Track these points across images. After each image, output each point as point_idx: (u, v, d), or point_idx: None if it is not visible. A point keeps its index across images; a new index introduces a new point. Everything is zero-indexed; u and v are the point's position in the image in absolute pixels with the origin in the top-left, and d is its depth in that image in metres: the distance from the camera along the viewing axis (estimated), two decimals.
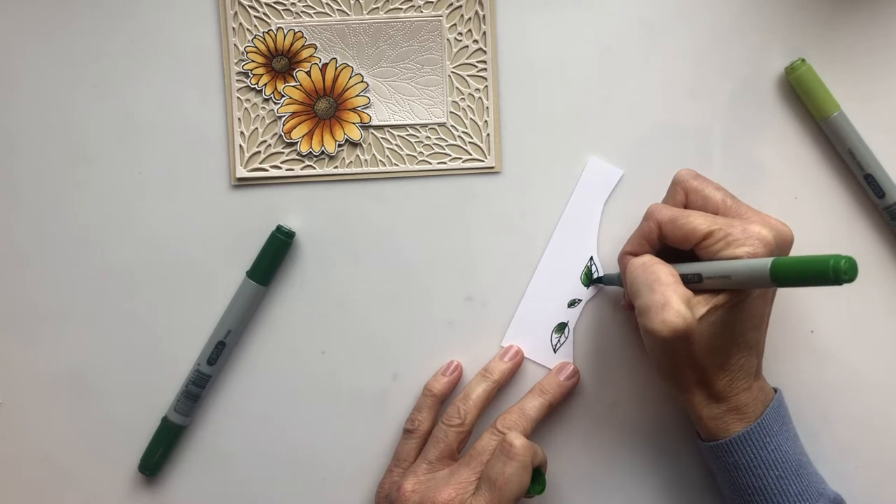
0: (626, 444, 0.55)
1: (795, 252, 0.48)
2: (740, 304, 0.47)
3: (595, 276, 0.55)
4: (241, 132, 0.55)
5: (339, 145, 0.55)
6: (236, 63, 0.55)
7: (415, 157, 0.55)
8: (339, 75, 0.55)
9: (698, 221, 0.47)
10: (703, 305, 0.46)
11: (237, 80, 0.55)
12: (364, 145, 0.55)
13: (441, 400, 0.54)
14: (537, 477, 0.50)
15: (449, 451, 0.52)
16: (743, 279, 0.45)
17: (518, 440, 0.49)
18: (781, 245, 0.48)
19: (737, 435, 0.48)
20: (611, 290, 0.55)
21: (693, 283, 0.46)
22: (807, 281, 0.41)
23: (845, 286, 0.54)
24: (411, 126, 0.55)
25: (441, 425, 0.52)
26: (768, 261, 0.43)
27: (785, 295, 0.55)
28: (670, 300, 0.45)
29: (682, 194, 0.50)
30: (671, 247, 0.49)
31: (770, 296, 0.49)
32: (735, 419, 0.49)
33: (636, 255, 0.50)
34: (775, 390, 0.51)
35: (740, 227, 0.47)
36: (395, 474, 0.53)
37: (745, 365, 0.49)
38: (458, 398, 0.53)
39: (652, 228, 0.49)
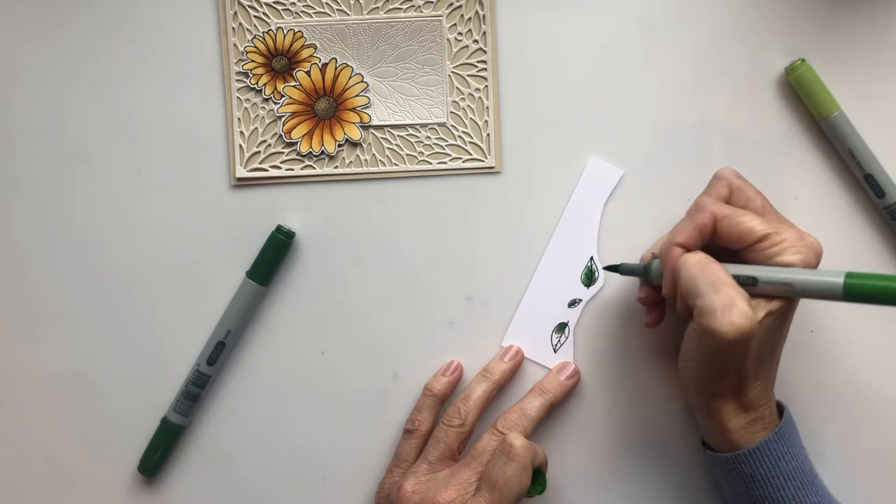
0: (626, 444, 0.55)
1: None
2: (790, 311, 0.46)
3: (596, 276, 0.55)
4: (241, 132, 0.55)
5: (339, 145, 0.55)
6: (236, 63, 0.55)
7: (415, 157, 0.55)
8: (339, 75, 0.55)
9: (755, 222, 0.47)
10: (761, 310, 0.45)
11: (237, 80, 0.55)
12: (364, 145, 0.55)
13: (441, 400, 0.54)
14: (538, 477, 0.50)
15: (449, 452, 0.52)
16: (807, 289, 0.44)
17: (518, 441, 0.49)
18: (820, 256, 0.47)
19: (757, 444, 0.48)
20: (611, 291, 0.55)
21: (747, 286, 0.46)
22: (885, 300, 0.41)
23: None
24: (411, 126, 0.55)
25: (442, 426, 0.52)
26: (840, 274, 0.43)
27: None
28: (736, 301, 0.44)
29: (727, 190, 0.49)
30: (714, 244, 0.48)
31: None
32: (759, 428, 0.48)
33: (687, 247, 0.47)
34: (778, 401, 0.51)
35: (794, 233, 0.46)
36: (396, 474, 0.53)
37: (773, 374, 0.49)
38: (458, 399, 0.53)
39: (706, 222, 0.47)
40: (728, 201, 0.49)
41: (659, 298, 0.51)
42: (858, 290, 0.42)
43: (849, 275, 0.42)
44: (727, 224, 0.47)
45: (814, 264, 0.46)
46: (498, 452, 0.49)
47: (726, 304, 0.44)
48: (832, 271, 0.44)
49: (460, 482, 0.49)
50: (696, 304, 0.45)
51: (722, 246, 0.48)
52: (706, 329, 0.44)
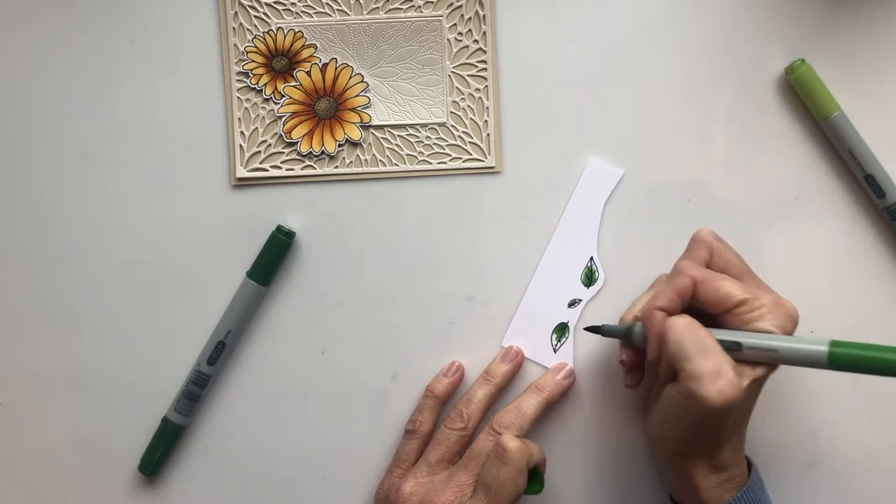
0: (626, 443, 0.55)
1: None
2: (768, 376, 0.47)
3: (596, 276, 0.55)
4: (241, 132, 0.55)
5: (340, 145, 0.55)
6: (236, 63, 0.55)
7: (415, 157, 0.55)
8: (339, 75, 0.55)
9: (733, 287, 0.47)
10: (746, 377, 0.45)
11: (237, 80, 0.55)
12: (364, 145, 0.55)
13: (443, 401, 0.54)
14: (535, 476, 0.50)
15: (450, 454, 0.52)
16: (791, 357, 0.44)
17: (512, 443, 0.48)
18: (797, 323, 0.48)
19: (727, 503, 0.48)
20: (611, 290, 0.55)
21: (731, 351, 0.46)
22: (869, 370, 0.40)
23: (845, 285, 0.55)
24: (411, 126, 0.55)
25: (443, 428, 0.52)
26: (825, 343, 0.43)
27: (785, 294, 0.55)
28: (724, 369, 0.44)
29: (707, 253, 0.49)
30: (690, 308, 0.48)
31: None
32: (729, 487, 0.48)
33: (669, 312, 0.47)
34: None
35: (772, 298, 0.47)
36: (395, 475, 0.53)
37: (744, 434, 0.49)
38: (460, 402, 0.53)
39: (686, 287, 0.47)
40: (708, 264, 0.49)
41: (640, 360, 0.51)
42: (842, 360, 0.42)
43: (833, 343, 0.42)
44: (706, 288, 0.47)
45: (790, 331, 0.47)
46: (493, 456, 0.49)
47: (714, 371, 0.44)
48: (817, 339, 0.44)
49: (458, 484, 0.49)
50: (684, 368, 0.45)
51: (698, 309, 0.48)
52: (693, 394, 0.44)
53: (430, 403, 0.54)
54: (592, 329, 0.52)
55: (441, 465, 0.52)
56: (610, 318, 0.55)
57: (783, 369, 0.53)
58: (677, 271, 0.48)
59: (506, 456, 0.48)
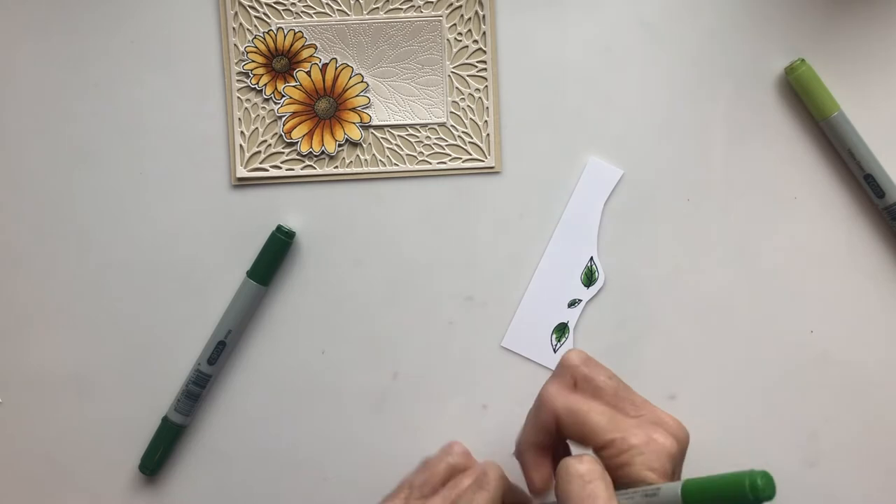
0: None
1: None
2: None
3: (596, 276, 0.55)
4: (241, 132, 0.55)
5: (339, 145, 0.55)
6: (236, 63, 0.55)
7: (415, 157, 0.55)
8: (339, 75, 0.55)
9: (597, 421, 0.43)
10: None
11: (237, 80, 0.55)
12: (364, 145, 0.55)
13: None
14: None
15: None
16: (660, 502, 0.40)
17: (493, 471, 0.45)
18: (682, 444, 0.44)
19: None
20: (611, 290, 0.55)
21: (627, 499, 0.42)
22: (724, 502, 0.38)
23: (845, 285, 0.55)
24: (411, 126, 0.55)
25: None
26: (678, 485, 0.39)
27: (785, 294, 0.55)
28: None
29: (572, 381, 0.45)
30: None
31: None
32: None
33: (540, 446, 0.45)
34: None
35: (642, 435, 0.42)
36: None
37: None
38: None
39: (549, 422, 0.44)
40: (575, 389, 0.45)
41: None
42: (696, 498, 0.38)
43: (685, 484, 0.39)
44: (569, 421, 0.43)
45: (669, 469, 0.42)
46: (473, 483, 0.45)
47: None
48: (674, 484, 0.40)
49: None
50: None
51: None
52: None
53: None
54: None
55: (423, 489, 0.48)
56: (610, 319, 0.55)
57: (783, 367, 0.53)
58: (540, 401, 0.45)
59: (484, 481, 0.44)
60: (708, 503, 0.38)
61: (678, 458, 0.43)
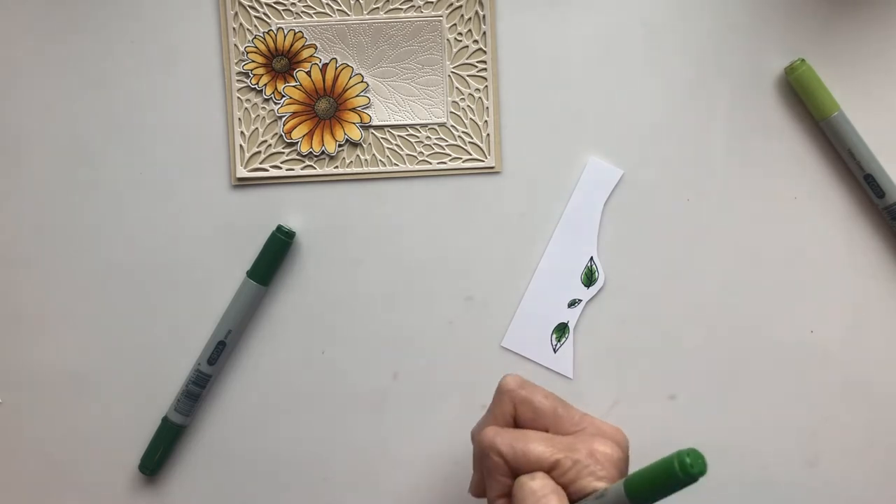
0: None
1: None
2: None
3: (596, 276, 0.55)
4: (242, 132, 0.55)
5: (340, 145, 0.55)
6: (236, 63, 0.55)
7: (415, 157, 0.55)
8: (339, 75, 0.55)
9: (539, 449, 0.43)
10: None
11: (237, 80, 0.55)
12: (364, 145, 0.55)
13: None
14: None
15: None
16: (608, 501, 0.42)
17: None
18: (624, 449, 0.45)
19: None
20: (611, 290, 0.55)
21: None
22: (663, 488, 0.39)
23: (845, 285, 0.55)
24: (411, 126, 0.55)
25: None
26: (620, 483, 0.40)
27: (785, 294, 0.55)
28: None
29: (511, 405, 0.46)
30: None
31: None
32: None
33: (503, 493, 0.44)
34: None
35: (584, 449, 0.43)
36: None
37: None
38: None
39: (498, 463, 0.44)
40: (514, 416, 0.46)
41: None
42: (638, 491, 0.39)
43: (626, 481, 0.40)
44: (514, 457, 0.44)
45: (616, 475, 0.43)
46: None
47: None
48: (617, 485, 0.41)
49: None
50: None
51: None
52: None
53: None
54: None
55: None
56: (610, 319, 0.55)
57: (783, 367, 0.53)
58: (480, 446, 0.45)
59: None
60: (648, 491, 0.39)
61: (623, 463, 0.44)
